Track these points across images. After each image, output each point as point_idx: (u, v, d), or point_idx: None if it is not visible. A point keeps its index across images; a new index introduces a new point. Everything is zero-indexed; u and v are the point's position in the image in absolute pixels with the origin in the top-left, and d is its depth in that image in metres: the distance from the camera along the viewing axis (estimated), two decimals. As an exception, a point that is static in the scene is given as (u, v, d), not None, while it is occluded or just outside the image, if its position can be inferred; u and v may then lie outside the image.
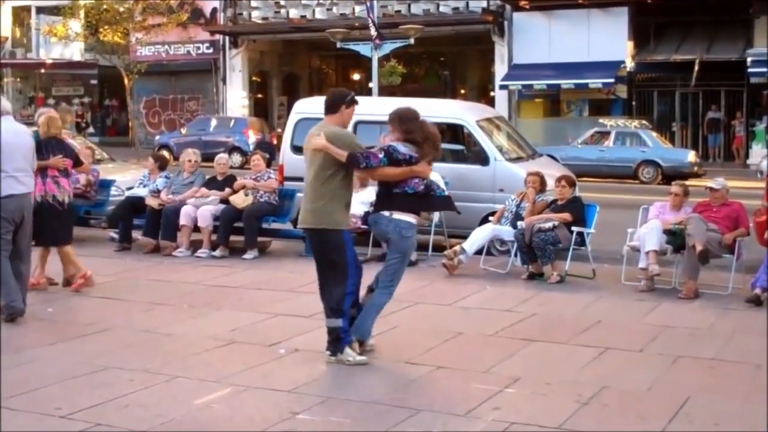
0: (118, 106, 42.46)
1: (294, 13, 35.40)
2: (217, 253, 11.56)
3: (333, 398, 6.06)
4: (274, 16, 36.03)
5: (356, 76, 40.07)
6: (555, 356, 7.14)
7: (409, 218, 6.89)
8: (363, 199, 10.79)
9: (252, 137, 30.79)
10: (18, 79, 42.43)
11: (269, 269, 10.88)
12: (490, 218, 11.38)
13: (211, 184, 12.20)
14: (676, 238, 9.68)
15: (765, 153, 26.18)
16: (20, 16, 41.09)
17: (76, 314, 8.53)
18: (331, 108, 6.94)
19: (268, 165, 12.53)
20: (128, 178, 14.59)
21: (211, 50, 37.28)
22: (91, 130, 40.44)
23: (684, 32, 31.08)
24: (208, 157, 15.57)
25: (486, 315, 8.59)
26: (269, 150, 24.57)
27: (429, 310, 8.74)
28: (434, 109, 13.95)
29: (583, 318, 8.45)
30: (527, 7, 31.32)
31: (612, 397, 6.11)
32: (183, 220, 11.70)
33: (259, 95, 38.94)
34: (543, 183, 10.93)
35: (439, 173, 11.85)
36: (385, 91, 28.14)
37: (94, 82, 41.59)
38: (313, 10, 35.04)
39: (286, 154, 13.26)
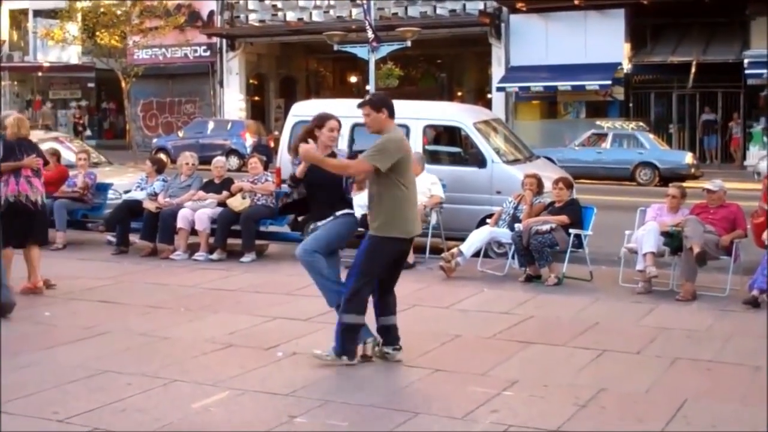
0: (116, 109, 42.42)
1: (291, 16, 35.42)
2: (214, 256, 11.55)
3: (331, 401, 6.05)
4: (271, 18, 36.05)
5: (353, 79, 40.07)
6: (553, 359, 7.14)
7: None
8: (360, 202, 10.77)
9: (249, 140, 30.78)
10: (15, 83, 42.42)
11: (267, 272, 10.87)
12: (488, 220, 11.37)
13: (209, 187, 12.20)
14: (673, 240, 9.68)
15: (762, 154, 26.22)
16: (17, 19, 41.08)
17: (73, 318, 8.51)
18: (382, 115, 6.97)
19: (266, 168, 12.53)
20: (125, 182, 14.56)
21: (208, 53, 37.28)
22: (88, 133, 40.42)
23: (681, 34, 31.12)
24: (205, 160, 15.52)
25: (483, 317, 8.59)
26: (266, 153, 24.54)
27: (426, 313, 8.74)
28: (431, 112, 14.02)
29: (580, 320, 8.45)
30: (524, 9, 31.35)
31: (610, 399, 6.10)
32: (180, 223, 11.70)
33: (257, 98, 38.93)
34: (540, 185, 10.94)
35: (436, 175, 11.91)
36: (382, 93, 28.12)
37: (91, 85, 41.57)
38: (310, 13, 35.07)
39: (283, 156, 13.24)
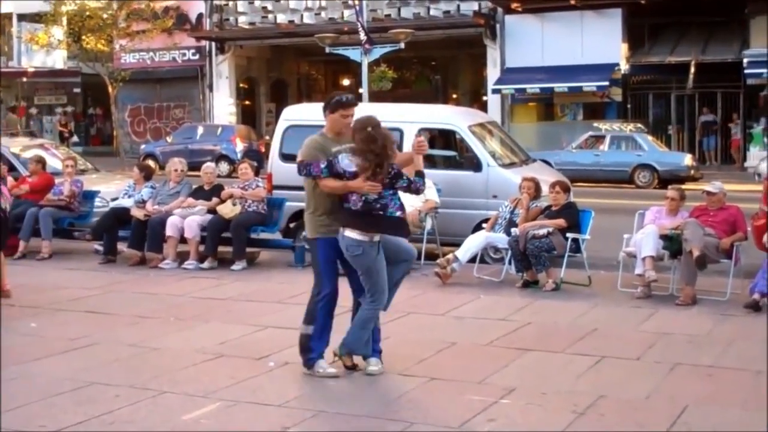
0: (102, 115, 42.38)
1: (282, 18, 35.43)
2: (204, 264, 11.55)
3: (324, 412, 6.06)
4: (261, 21, 36.06)
5: (346, 82, 40.07)
6: (551, 366, 7.15)
7: (356, 235, 6.65)
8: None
9: (239, 145, 30.76)
10: (-1, 89, 42.41)
11: (258, 280, 10.87)
12: (484, 225, 11.38)
13: (198, 193, 12.20)
14: (672, 243, 9.70)
15: (763, 155, 26.28)
16: (1, 23, 41.04)
17: (60, 329, 8.50)
18: (324, 115, 7.01)
19: (257, 174, 12.52)
20: (113, 189, 14.53)
21: (197, 57, 37.27)
22: (74, 139, 40.36)
23: (679, 33, 31.21)
24: (194, 166, 15.54)
25: (480, 324, 8.59)
26: (257, 158, 24.54)
27: (422, 320, 8.75)
28: (426, 115, 14.04)
29: (578, 326, 8.46)
30: (519, 9, 31.40)
31: (609, 406, 6.11)
32: (169, 231, 11.69)
33: (247, 102, 38.94)
34: (538, 189, 10.94)
35: (431, 180, 11.90)
36: (376, 96, 28.13)
37: (77, 90, 41.53)
38: (301, 15, 35.08)
39: (274, 162, 13.24)
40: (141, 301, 9.71)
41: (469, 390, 6.46)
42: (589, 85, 30.10)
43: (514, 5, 31.39)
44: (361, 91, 25.42)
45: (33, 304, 9.48)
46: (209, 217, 11.77)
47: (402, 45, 25.11)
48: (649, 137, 27.26)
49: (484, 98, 34.19)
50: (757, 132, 29.61)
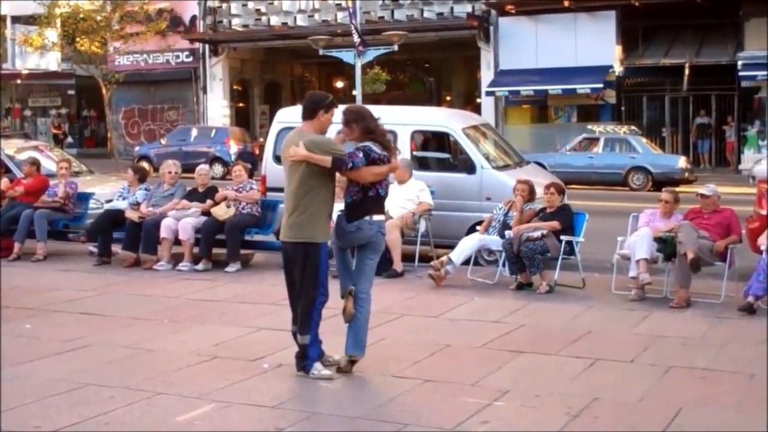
0: (97, 117, 42.35)
1: (275, 20, 35.44)
2: (198, 266, 11.55)
3: (318, 414, 6.07)
4: (254, 23, 36.07)
5: (339, 84, 40.10)
6: (544, 368, 7.16)
7: (383, 217, 7.01)
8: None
9: (233, 147, 30.75)
10: (-7, 91, 42.34)
11: (252, 282, 10.88)
12: (478, 228, 11.39)
13: (192, 195, 12.20)
14: (666, 246, 9.72)
15: (757, 158, 26.34)
16: (-5, 25, 41.01)
17: (54, 330, 8.50)
18: (308, 113, 6.91)
19: (250, 176, 12.55)
20: (107, 191, 14.55)
21: (190, 59, 37.26)
22: (69, 141, 40.32)
23: (673, 36, 31.26)
24: (188, 168, 15.56)
25: (474, 326, 8.61)
26: (251, 160, 24.59)
27: (416, 323, 8.76)
28: (419, 117, 14.07)
29: (572, 329, 8.48)
30: (513, 11, 31.45)
31: (603, 408, 6.13)
32: (164, 233, 11.69)
33: (241, 104, 38.93)
34: (532, 191, 10.95)
35: (424, 182, 11.94)
36: (369, 98, 28.13)
37: (71, 92, 41.48)
38: (295, 17, 35.10)
39: (268, 164, 13.26)
40: (136, 303, 9.71)
41: (463, 392, 6.48)
42: (583, 88, 30.15)
43: (507, 7, 31.44)
44: (354, 93, 25.44)
45: (28, 306, 9.48)
46: (203, 219, 11.77)
47: (395, 47, 25.12)
48: (643, 140, 27.30)
49: (478, 100, 34.21)
50: (751, 134, 29.70)
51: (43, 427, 5.78)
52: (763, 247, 9.31)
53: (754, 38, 28.72)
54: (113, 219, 12.19)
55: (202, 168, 12.78)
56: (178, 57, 37.32)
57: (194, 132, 32.68)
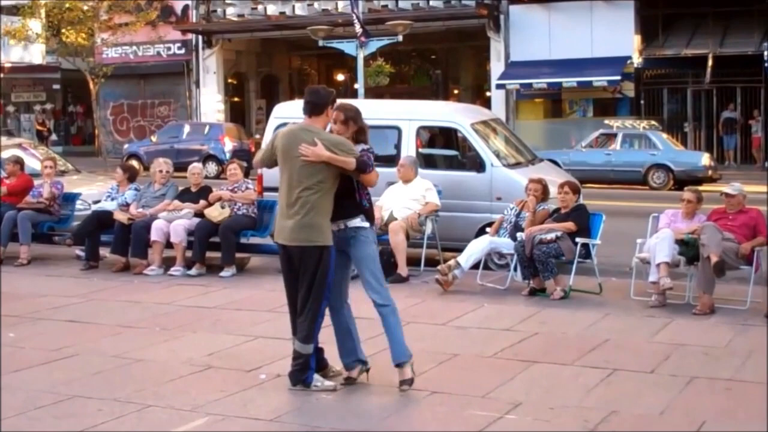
0: (83, 113, 42.45)
1: (272, 10, 35.48)
2: (191, 271, 11.57)
3: (319, 428, 6.08)
4: (250, 12, 36.11)
5: (340, 77, 40.16)
6: (559, 379, 7.16)
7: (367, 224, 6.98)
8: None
9: (228, 145, 30.82)
10: (-26, 85, 42.45)
11: (248, 288, 10.89)
12: (487, 229, 11.40)
13: (185, 196, 12.21)
14: (689, 248, 9.71)
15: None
16: (-25, 17, 41.10)
17: (39, 339, 8.52)
18: (316, 109, 6.81)
19: (246, 175, 12.54)
20: (95, 191, 14.58)
21: (183, 51, 37.34)
22: (54, 138, 40.38)
23: (695, 25, 31.26)
24: (180, 167, 15.57)
25: (484, 335, 8.61)
26: (247, 158, 24.57)
27: (422, 330, 8.75)
28: (425, 112, 14.08)
29: (589, 337, 8.48)
30: (525, -1, 31.50)
31: (621, 422, 6.13)
32: (154, 236, 11.71)
33: (236, 99, 39.00)
34: (545, 191, 10.94)
35: (431, 181, 11.95)
36: (372, 92, 28.19)
37: (56, 86, 41.58)
38: (293, 6, 35.12)
39: (265, 162, 13.24)
40: (125, 310, 9.73)
41: (472, 404, 6.48)
42: (599, 80, 30.16)
43: (519, -5, 31.48)
44: (356, 86, 25.51)
45: (11, 313, 9.49)
46: (196, 220, 11.78)
47: (400, 38, 25.16)
48: (664, 135, 27.29)
49: (488, 94, 34.26)
50: (779, 130, 29.69)
51: (26, 442, 5.80)
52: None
53: (782, 27, 28.73)
54: (101, 221, 12.20)
55: (195, 167, 12.79)
56: (169, 49, 37.40)
57: (187, 128, 32.76)
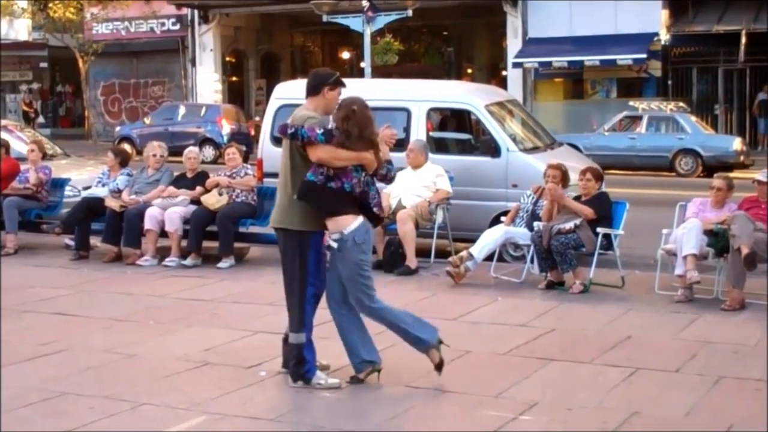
0: (72, 93, 42.49)
1: (273, -18, 35.41)
2: (187, 261, 11.61)
3: (322, 428, 6.12)
4: (250, -15, 36.06)
5: (346, 55, 40.18)
6: (577, 378, 7.19)
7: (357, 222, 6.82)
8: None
9: (226, 127, 30.84)
10: (-45, 63, 42.51)
11: (247, 280, 10.93)
12: (502, 218, 11.43)
13: (180, 182, 12.25)
14: (718, 239, 9.71)
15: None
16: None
17: (26, 333, 8.57)
18: (312, 89, 7.03)
19: (245, 159, 12.58)
20: (85, 177, 14.62)
21: (177, 27, 37.31)
22: (41, 120, 40.43)
23: (727, -1, 31.15)
24: (176, 151, 15.62)
25: (498, 331, 8.65)
26: (246, 142, 24.65)
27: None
28: (436, 93, 14.09)
29: (609, 333, 8.50)
30: (544, -28, 31.40)
31: (643, 424, 6.16)
32: (148, 224, 11.75)
33: (234, 78, 38.98)
34: (565, 177, 10.91)
35: (442, 167, 11.96)
36: (380, 71, 28.20)
37: (44, 65, 41.57)
38: (296, -21, 35.07)
39: (265, 146, 13.31)
40: (116, 303, 9.77)
41: (485, 404, 6.52)
42: (624, 58, 30.07)
43: (538, -33, 31.38)
44: (363, 65, 25.51)
45: (-5, 306, 9.55)
46: (193, 208, 11.82)
47: (409, 12, 25.14)
48: (693, 118, 27.22)
49: (504, 73, 34.22)
50: (817, 113, 29.59)
51: (13, 441, 5.86)
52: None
53: (820, 1, 28.60)
54: (92, 208, 12.25)
55: (191, 151, 12.82)
56: (163, 25, 37.38)
57: (182, 110, 32.78)
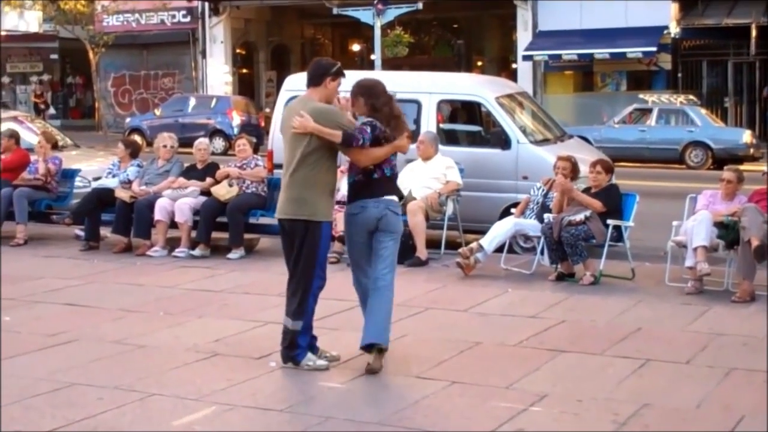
0: (83, 85, 42.52)
1: (284, -25, 35.40)
2: (197, 252, 11.60)
3: (332, 418, 6.10)
4: (260, -22, 36.06)
5: (356, 47, 40.13)
6: (587, 369, 7.17)
7: (394, 197, 7.12)
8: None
9: (236, 119, 30.88)
10: (-33, 55, 42.60)
11: (257, 271, 10.92)
12: (512, 210, 11.40)
13: (190, 173, 12.24)
14: (728, 231, 9.69)
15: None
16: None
17: (36, 324, 8.57)
18: (314, 80, 7.09)
19: (256, 151, 12.56)
20: (95, 167, 14.63)
21: (188, 19, 37.32)
22: (51, 111, 40.49)
23: (738, -8, 31.05)
24: (186, 142, 15.63)
25: (507, 322, 8.63)
26: (256, 133, 24.61)
27: (442, 317, 8.78)
28: (447, 85, 14.04)
29: (620, 325, 8.48)
30: (554, -36, 31.33)
31: (654, 416, 6.13)
32: (158, 215, 11.75)
33: (244, 70, 38.99)
34: (575, 169, 10.89)
35: (452, 159, 11.94)
36: (390, 63, 28.17)
37: (54, 56, 41.66)
38: (306, -29, 35.07)
39: (275, 137, 13.27)
40: (126, 293, 9.77)
41: (495, 396, 6.50)
42: (634, 51, 30.02)
43: (548, -40, 31.31)
44: (373, 57, 25.50)
45: (6, 296, 9.53)
46: (203, 199, 11.81)
47: (420, 5, 25.12)
48: (703, 111, 27.19)
49: (514, 66, 34.16)
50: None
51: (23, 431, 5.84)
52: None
53: (832, -6, 28.49)
54: (102, 199, 12.25)
55: (202, 142, 12.82)
56: (174, 17, 37.39)
57: (192, 101, 32.82)
